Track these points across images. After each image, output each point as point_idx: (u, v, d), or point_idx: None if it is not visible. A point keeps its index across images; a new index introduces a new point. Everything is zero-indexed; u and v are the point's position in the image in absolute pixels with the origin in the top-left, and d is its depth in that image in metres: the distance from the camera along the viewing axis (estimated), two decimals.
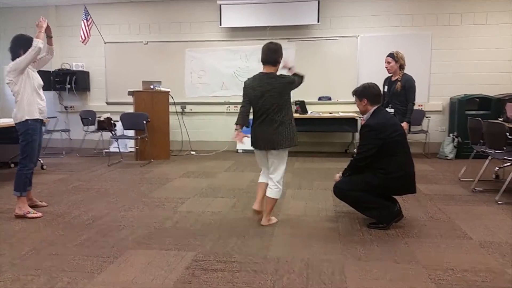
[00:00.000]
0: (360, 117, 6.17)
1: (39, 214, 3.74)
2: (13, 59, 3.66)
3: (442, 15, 7.06)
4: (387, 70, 4.62)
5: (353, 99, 3.48)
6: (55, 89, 7.91)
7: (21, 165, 3.73)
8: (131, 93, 6.64)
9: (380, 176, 3.25)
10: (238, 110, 3.49)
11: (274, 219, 3.54)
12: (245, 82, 3.45)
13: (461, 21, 7.03)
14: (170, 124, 6.90)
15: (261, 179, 3.56)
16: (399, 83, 4.50)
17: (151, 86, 6.69)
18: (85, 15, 7.18)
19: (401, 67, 4.54)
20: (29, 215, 3.70)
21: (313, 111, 7.20)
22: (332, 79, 7.35)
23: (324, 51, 7.38)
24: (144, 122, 6.36)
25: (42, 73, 3.99)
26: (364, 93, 3.37)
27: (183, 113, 7.82)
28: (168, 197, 4.40)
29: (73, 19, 7.92)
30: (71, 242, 3.10)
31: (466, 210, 3.85)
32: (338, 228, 3.38)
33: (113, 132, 7.18)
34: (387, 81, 4.71)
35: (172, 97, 6.96)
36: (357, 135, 3.69)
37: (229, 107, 7.75)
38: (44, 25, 3.77)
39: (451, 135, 6.82)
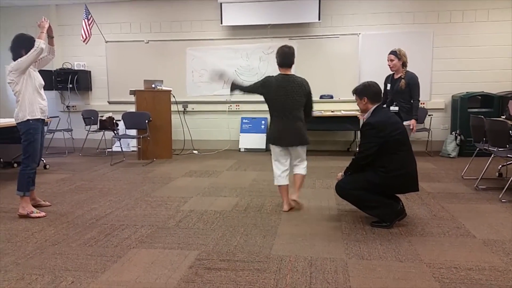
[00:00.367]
0: (359, 114, 6.17)
1: (43, 214, 3.75)
2: (14, 59, 3.66)
3: (444, 13, 7.04)
4: (390, 67, 4.59)
5: (354, 97, 3.48)
6: (57, 89, 7.92)
7: (23, 165, 3.74)
8: (132, 92, 6.65)
9: (381, 175, 3.24)
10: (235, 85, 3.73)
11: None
12: (268, 79, 3.62)
13: (463, 18, 7.01)
14: (172, 123, 6.90)
15: (283, 181, 3.76)
16: (403, 80, 4.47)
17: (153, 85, 6.69)
18: (86, 14, 7.18)
19: (404, 64, 4.51)
20: (33, 215, 3.71)
21: (314, 109, 7.15)
22: (333, 77, 7.34)
23: (326, 49, 7.37)
24: (146, 121, 6.36)
25: (43, 73, 4.00)
26: (364, 91, 3.37)
27: (184, 112, 7.82)
28: (170, 196, 4.40)
29: (74, 18, 7.92)
30: (74, 242, 3.11)
31: (469, 208, 3.84)
32: (341, 227, 3.38)
33: (115, 132, 7.19)
34: (390, 79, 4.68)
35: (174, 96, 6.96)
36: (359, 133, 3.69)
37: (230, 106, 7.75)
38: (46, 26, 3.78)
39: (453, 133, 6.80)
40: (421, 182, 4.84)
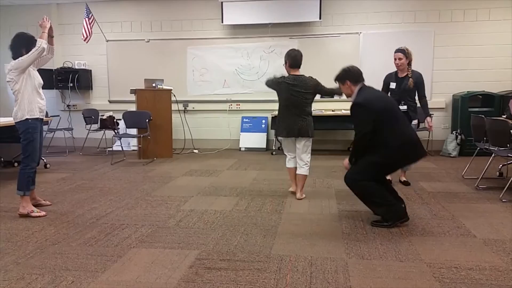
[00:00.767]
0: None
1: (43, 213, 3.76)
2: (14, 57, 3.65)
3: (445, 12, 7.02)
4: (397, 66, 4.50)
5: (337, 84, 3.53)
6: (57, 88, 7.93)
7: (23, 164, 3.73)
8: (133, 91, 6.65)
9: (387, 152, 3.20)
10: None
11: (304, 195, 4.25)
12: (280, 78, 4.08)
13: (464, 17, 6.99)
14: (172, 122, 6.90)
15: (290, 164, 4.28)
16: (411, 79, 4.45)
17: (153, 84, 6.69)
18: (86, 13, 7.17)
19: (409, 63, 4.49)
20: (33, 214, 3.71)
21: (315, 108, 7.12)
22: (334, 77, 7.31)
23: (326, 48, 7.36)
24: (147, 120, 6.36)
25: (44, 72, 4.00)
26: (345, 75, 3.44)
27: (185, 111, 7.82)
28: (171, 196, 4.41)
29: (75, 17, 7.92)
30: (75, 241, 3.11)
31: (469, 208, 3.84)
32: (342, 227, 3.37)
33: (115, 131, 7.20)
34: (393, 78, 4.59)
35: (174, 95, 6.95)
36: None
37: (231, 105, 7.75)
38: (48, 25, 3.77)
39: (454, 132, 6.80)
40: (422, 182, 4.86)
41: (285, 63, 4.11)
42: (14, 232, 3.32)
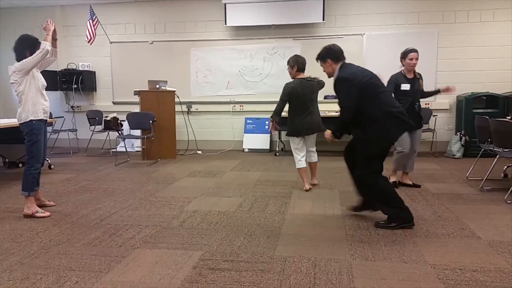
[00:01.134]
0: None
1: (47, 214, 3.77)
2: (17, 59, 3.67)
3: (448, 13, 7.01)
4: (413, 66, 4.43)
5: (319, 64, 3.53)
6: (61, 89, 7.96)
7: (28, 165, 3.75)
8: (137, 92, 6.67)
9: (376, 129, 3.16)
10: (276, 107, 4.56)
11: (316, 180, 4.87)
12: (289, 85, 4.47)
13: (468, 18, 6.97)
14: (176, 123, 6.92)
15: (302, 164, 4.61)
16: (420, 80, 4.50)
17: (157, 86, 6.71)
18: (90, 15, 7.21)
19: None
20: (37, 215, 3.72)
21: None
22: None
23: None
24: (150, 121, 6.37)
25: (48, 73, 4.02)
26: (327, 54, 3.43)
27: (189, 112, 7.83)
28: (174, 197, 4.41)
29: (78, 19, 7.97)
30: (79, 242, 3.12)
31: (474, 210, 3.82)
32: (345, 228, 3.37)
33: (119, 132, 7.22)
34: (405, 79, 4.45)
35: (178, 97, 6.97)
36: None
37: (234, 106, 7.76)
38: (52, 28, 3.79)
39: (458, 133, 6.77)
40: (426, 183, 4.85)
41: (292, 67, 4.51)
42: (19, 233, 3.33)
